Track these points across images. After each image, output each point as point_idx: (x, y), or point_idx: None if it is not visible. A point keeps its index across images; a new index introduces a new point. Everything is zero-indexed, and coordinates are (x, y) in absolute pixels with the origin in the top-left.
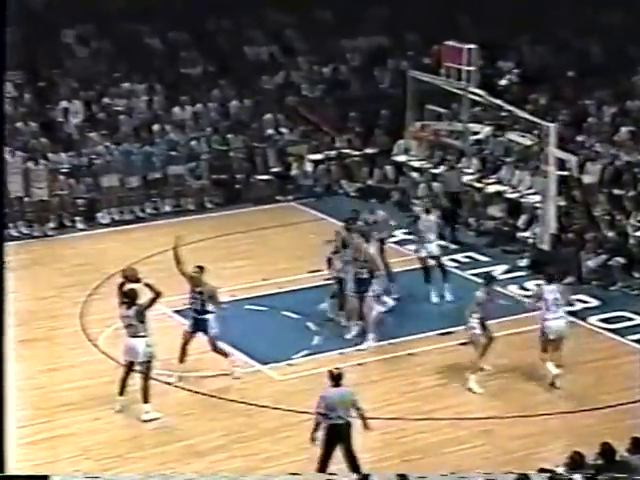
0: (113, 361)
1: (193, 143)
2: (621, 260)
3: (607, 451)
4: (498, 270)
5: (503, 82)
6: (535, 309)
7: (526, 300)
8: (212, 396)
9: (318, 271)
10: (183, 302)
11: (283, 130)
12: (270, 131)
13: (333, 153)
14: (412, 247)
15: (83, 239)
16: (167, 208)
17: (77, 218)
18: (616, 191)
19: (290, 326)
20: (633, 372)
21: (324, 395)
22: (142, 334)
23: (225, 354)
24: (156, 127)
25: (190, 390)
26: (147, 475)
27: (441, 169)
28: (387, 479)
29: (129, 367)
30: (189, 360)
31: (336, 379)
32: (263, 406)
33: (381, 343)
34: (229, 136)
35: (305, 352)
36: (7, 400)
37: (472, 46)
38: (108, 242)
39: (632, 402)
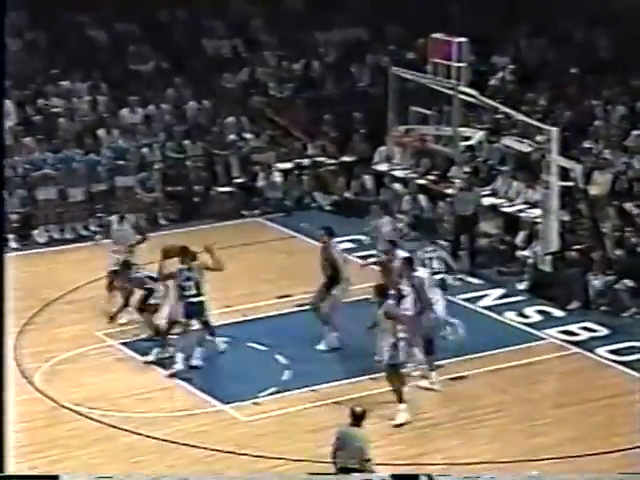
0: (51, 401)
1: (144, 150)
2: (632, 283)
3: None
4: (493, 295)
5: (497, 80)
6: None
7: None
8: (167, 441)
9: (288, 296)
10: (132, 333)
11: (248, 135)
12: (233, 136)
13: (305, 161)
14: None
15: (17, 260)
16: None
17: (10, 236)
18: (627, 204)
19: (256, 359)
20: None
21: (339, 432)
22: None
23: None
24: (101, 132)
25: (140, 434)
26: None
27: (454, 190)
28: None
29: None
30: (137, 400)
31: (358, 418)
32: (227, 451)
33: (361, 378)
34: (186, 142)
35: (273, 389)
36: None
37: (462, 39)
38: (46, 264)
39: None
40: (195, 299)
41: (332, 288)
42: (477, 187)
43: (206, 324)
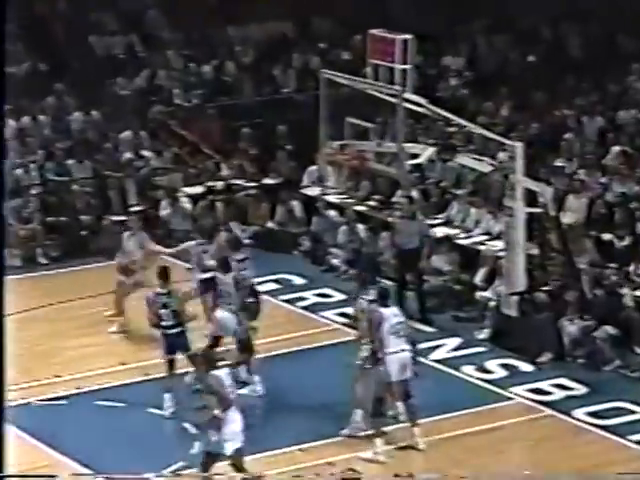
0: None
1: (18, 172)
2: (614, 330)
3: None
4: (448, 345)
5: (449, 86)
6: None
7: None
8: None
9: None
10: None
11: (147, 153)
12: (129, 155)
13: (219, 185)
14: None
15: None
16: None
17: None
18: (606, 235)
19: (159, 428)
20: None
21: None
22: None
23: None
24: None
25: None
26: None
27: (394, 218)
28: None
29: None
30: None
31: None
32: None
33: (292, 448)
34: (70, 162)
35: (180, 464)
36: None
37: (408, 36)
38: None
39: None
40: (174, 330)
41: None
42: (423, 215)
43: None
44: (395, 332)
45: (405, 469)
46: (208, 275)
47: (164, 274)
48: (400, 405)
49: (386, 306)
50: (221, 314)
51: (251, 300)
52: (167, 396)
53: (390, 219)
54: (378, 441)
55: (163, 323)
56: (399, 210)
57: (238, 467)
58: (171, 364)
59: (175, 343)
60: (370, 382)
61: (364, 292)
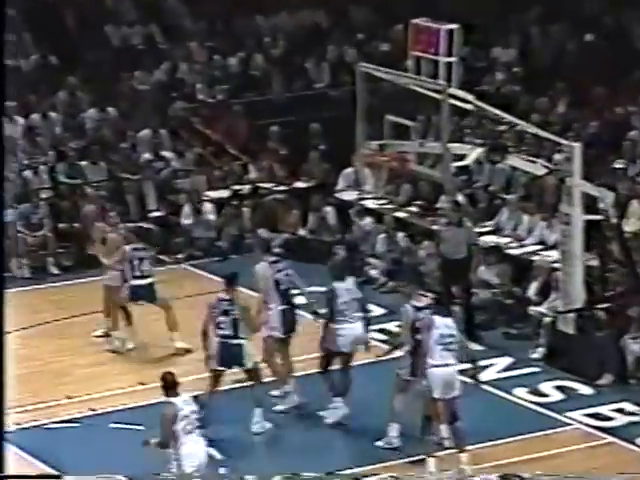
0: None
1: (27, 174)
2: None
3: None
4: (498, 365)
5: (500, 80)
6: None
7: None
8: None
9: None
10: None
11: (167, 154)
12: (148, 155)
13: (246, 188)
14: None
15: None
16: None
17: None
18: None
19: None
20: None
21: None
22: None
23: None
24: None
25: None
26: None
27: (439, 226)
28: None
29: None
30: None
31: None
32: None
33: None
34: (83, 164)
35: None
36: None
37: (453, 26)
38: None
39: None
40: (233, 340)
41: None
42: (470, 221)
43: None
44: (443, 344)
45: None
46: None
47: (231, 281)
48: (444, 428)
49: (440, 315)
50: None
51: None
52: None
53: (434, 227)
54: (431, 462)
55: (220, 332)
56: (444, 217)
57: None
58: (217, 377)
59: (231, 355)
60: (409, 395)
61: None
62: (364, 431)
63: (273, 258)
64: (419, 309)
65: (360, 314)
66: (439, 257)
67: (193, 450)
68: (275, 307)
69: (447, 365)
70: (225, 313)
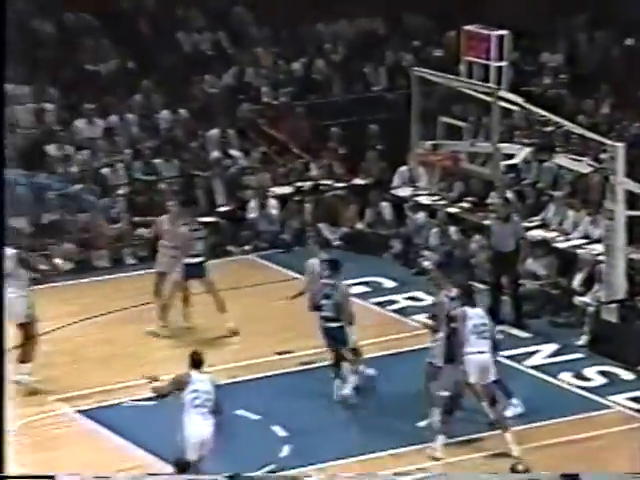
0: None
1: (106, 171)
2: None
3: None
4: (544, 351)
5: (544, 83)
6: None
7: None
8: None
9: (289, 352)
10: (93, 399)
11: (235, 152)
12: (216, 154)
13: (307, 185)
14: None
15: None
16: (68, 265)
17: None
18: None
19: (248, 431)
20: None
21: None
22: None
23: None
24: (51, 149)
25: None
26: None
27: (490, 220)
28: None
29: None
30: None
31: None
32: None
33: (379, 454)
34: (157, 161)
35: (270, 467)
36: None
37: (503, 32)
38: None
39: None
40: (333, 323)
41: None
42: (519, 216)
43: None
44: (477, 332)
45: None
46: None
47: (335, 265)
48: (487, 407)
49: (471, 305)
50: None
51: None
52: (337, 382)
53: (484, 221)
54: (441, 437)
55: (322, 314)
56: (493, 212)
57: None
58: (337, 355)
59: (332, 336)
60: (444, 380)
61: (445, 288)
62: (406, 414)
63: (325, 257)
64: (452, 299)
65: None
66: (489, 250)
67: (195, 426)
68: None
69: (482, 352)
70: (327, 297)
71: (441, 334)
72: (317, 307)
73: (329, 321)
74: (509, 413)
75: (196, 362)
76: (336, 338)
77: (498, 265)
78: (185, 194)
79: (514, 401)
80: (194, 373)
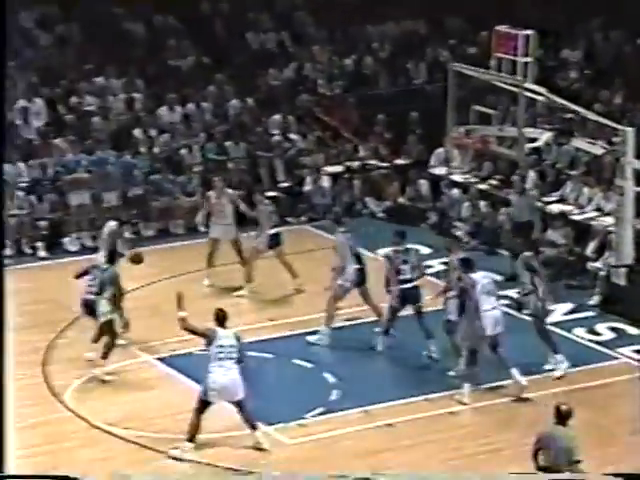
0: (82, 421)
1: (183, 152)
2: None
3: None
4: (561, 310)
5: (568, 77)
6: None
7: None
8: (206, 464)
9: (338, 309)
10: (169, 348)
11: (294, 136)
12: (278, 137)
13: (356, 164)
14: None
15: (46, 270)
16: (150, 232)
17: (39, 244)
18: None
19: (302, 377)
20: None
21: (542, 433)
22: None
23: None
24: (137, 132)
25: (176, 458)
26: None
27: (510, 195)
28: None
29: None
30: (174, 420)
31: (564, 417)
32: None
33: (416, 399)
34: (227, 143)
35: (320, 410)
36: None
37: (529, 32)
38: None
39: None
40: (409, 285)
41: None
42: (539, 193)
43: (419, 313)
44: (487, 292)
45: (518, 420)
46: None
47: (401, 234)
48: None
49: (473, 272)
50: None
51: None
52: (380, 338)
53: (509, 196)
54: (467, 385)
55: (401, 277)
56: (513, 187)
57: None
58: (395, 313)
59: (409, 295)
60: (461, 332)
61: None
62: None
63: (343, 229)
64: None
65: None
66: (510, 221)
67: (218, 377)
68: (350, 266)
69: (494, 308)
70: (404, 262)
71: (453, 292)
72: (397, 271)
73: (407, 282)
74: (557, 368)
75: (220, 319)
76: (410, 297)
77: (517, 233)
78: (251, 172)
79: (558, 357)
80: (219, 329)
